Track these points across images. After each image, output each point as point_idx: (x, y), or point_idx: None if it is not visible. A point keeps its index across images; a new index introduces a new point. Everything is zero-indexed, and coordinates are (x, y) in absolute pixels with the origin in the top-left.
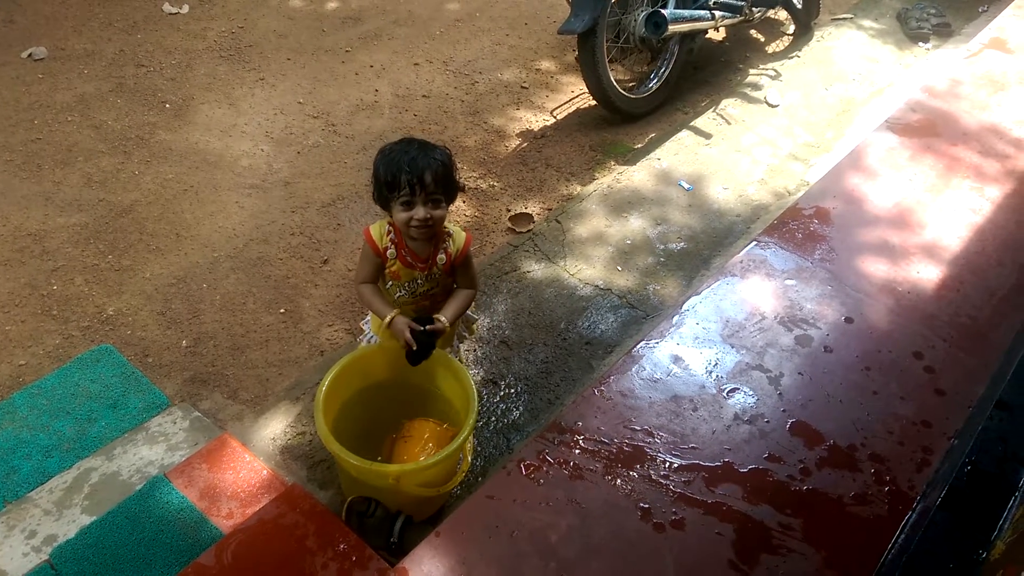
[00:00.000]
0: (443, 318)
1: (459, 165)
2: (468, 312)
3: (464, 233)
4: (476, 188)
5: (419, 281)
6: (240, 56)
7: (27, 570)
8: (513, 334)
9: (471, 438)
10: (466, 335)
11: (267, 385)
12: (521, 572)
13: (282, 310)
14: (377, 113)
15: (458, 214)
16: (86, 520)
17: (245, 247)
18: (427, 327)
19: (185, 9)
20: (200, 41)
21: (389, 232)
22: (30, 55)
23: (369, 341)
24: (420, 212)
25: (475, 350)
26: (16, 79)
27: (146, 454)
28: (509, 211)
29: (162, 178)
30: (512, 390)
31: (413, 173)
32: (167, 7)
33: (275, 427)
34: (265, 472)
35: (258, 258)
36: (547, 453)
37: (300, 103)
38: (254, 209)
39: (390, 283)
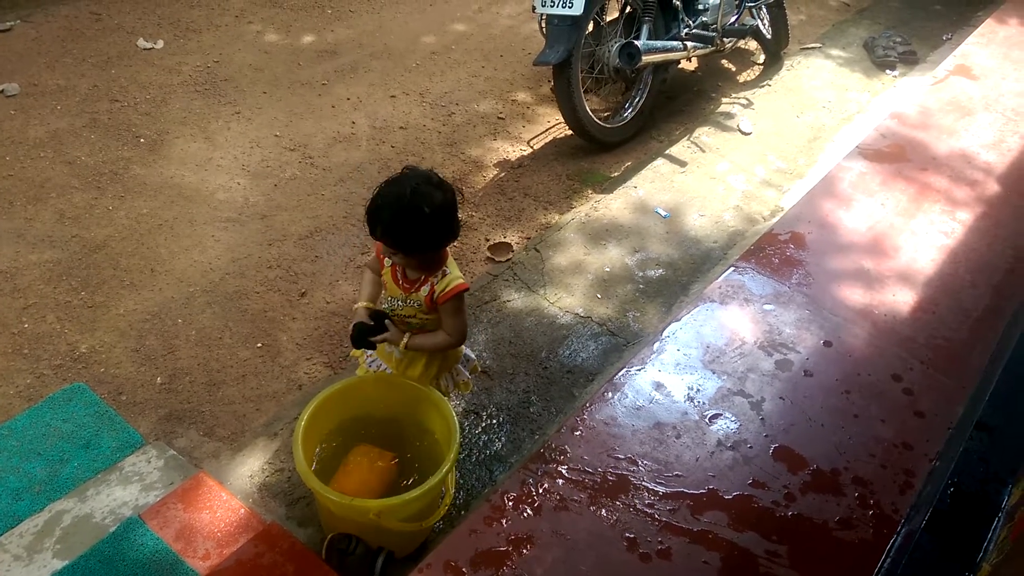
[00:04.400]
0: (405, 335)
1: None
2: (463, 369)
3: (459, 280)
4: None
5: (399, 302)
6: (216, 90)
7: None
8: (494, 364)
9: (454, 471)
10: (453, 390)
11: (244, 421)
12: None
13: (259, 344)
14: (354, 145)
15: None
16: (58, 565)
17: (221, 281)
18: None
19: (160, 44)
20: (175, 76)
21: None
22: (2, 91)
23: (373, 365)
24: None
25: None
26: None
27: (120, 495)
28: (488, 240)
29: (136, 213)
30: (494, 421)
31: (368, 221)
32: (142, 42)
33: (253, 464)
34: (242, 511)
35: (234, 292)
36: (531, 484)
37: (277, 136)
38: (230, 243)
39: (383, 292)
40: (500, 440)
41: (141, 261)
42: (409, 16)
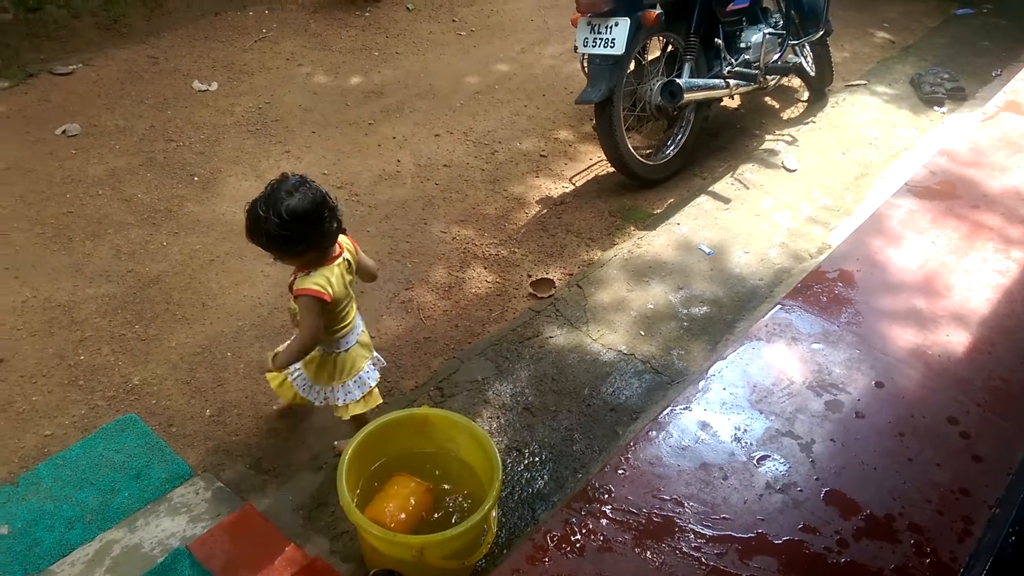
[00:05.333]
0: (267, 355)
1: (479, 231)
2: (368, 378)
3: (313, 285)
4: (496, 255)
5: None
6: (266, 130)
7: None
8: (536, 400)
9: (496, 508)
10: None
11: (290, 455)
12: None
13: None
14: (399, 183)
15: (479, 280)
16: None
17: (269, 315)
18: None
19: (214, 86)
20: (228, 116)
21: None
22: (64, 131)
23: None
24: None
25: (498, 417)
26: (50, 155)
27: (168, 526)
28: (530, 277)
29: (190, 249)
30: (536, 458)
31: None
32: (197, 84)
33: (298, 498)
34: (287, 545)
35: (282, 326)
36: (574, 523)
37: (324, 174)
38: (278, 278)
39: None
40: (543, 478)
41: (193, 295)
42: (453, 57)
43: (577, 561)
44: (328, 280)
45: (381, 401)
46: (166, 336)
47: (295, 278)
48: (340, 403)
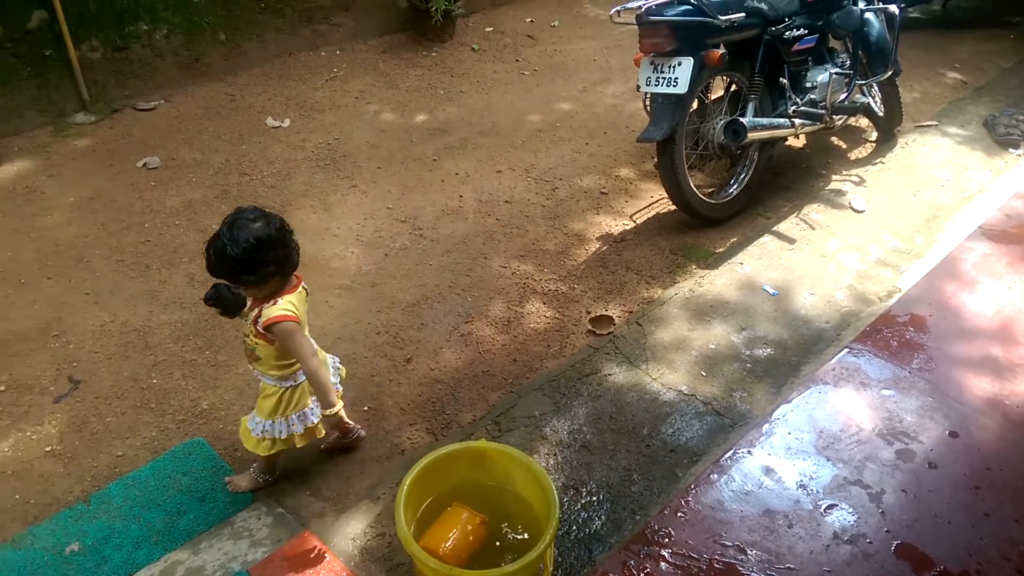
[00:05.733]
0: (325, 412)
1: (538, 267)
2: (309, 415)
3: (283, 311)
4: (556, 290)
5: (246, 322)
6: (335, 165)
7: None
8: (594, 438)
9: (552, 547)
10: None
11: (349, 483)
12: None
13: (366, 408)
14: (461, 218)
15: (538, 315)
16: None
17: (333, 345)
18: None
19: (287, 123)
20: (299, 152)
21: None
22: (144, 164)
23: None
24: None
25: (556, 454)
26: (131, 186)
27: (230, 549)
28: (589, 313)
29: None
30: (594, 497)
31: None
32: (270, 121)
33: (356, 527)
34: (344, 573)
35: (345, 356)
36: (632, 567)
37: (389, 208)
38: (342, 308)
39: None
40: (600, 518)
41: None
42: (516, 96)
43: None
44: (294, 305)
45: (320, 436)
46: (234, 363)
47: (259, 311)
48: (281, 436)
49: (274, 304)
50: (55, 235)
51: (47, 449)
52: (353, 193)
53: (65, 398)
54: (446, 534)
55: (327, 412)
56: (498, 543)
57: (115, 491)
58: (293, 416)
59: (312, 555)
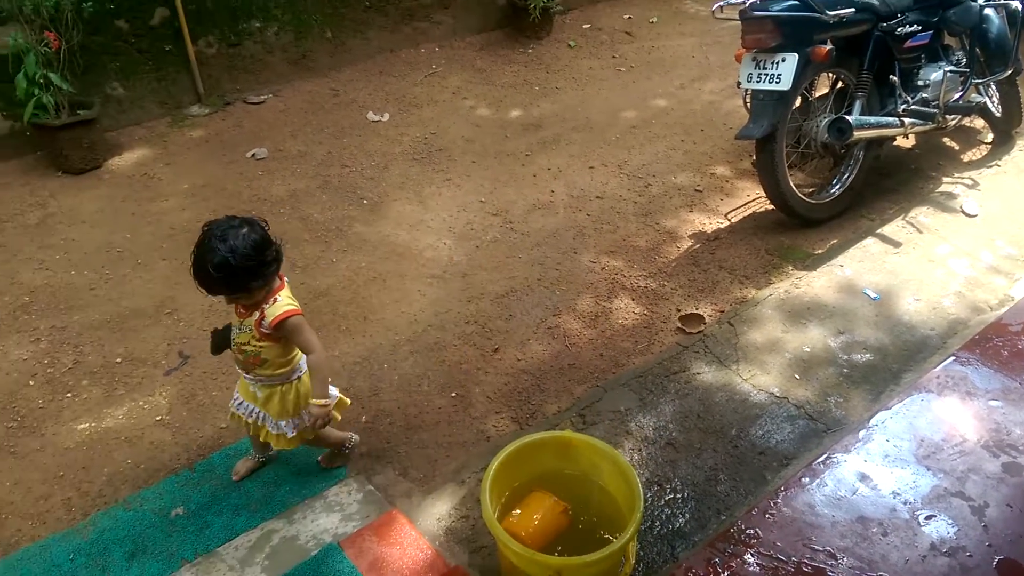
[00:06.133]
0: (316, 401)
1: (628, 263)
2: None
3: (287, 306)
4: (645, 287)
5: (237, 329)
6: (431, 159)
7: None
8: (681, 436)
9: (635, 539)
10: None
11: (435, 466)
12: None
13: (453, 394)
14: (552, 212)
15: (626, 311)
16: None
17: (424, 332)
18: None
19: (386, 117)
20: (397, 145)
21: None
22: (253, 155)
23: (239, 407)
24: None
25: (640, 449)
26: (240, 175)
27: (323, 522)
28: (679, 311)
29: (356, 266)
30: (678, 495)
31: (193, 276)
32: (371, 115)
33: (441, 508)
34: (429, 551)
35: (435, 343)
36: (717, 564)
37: (481, 202)
38: (434, 297)
39: None
40: (684, 516)
41: (356, 309)
42: (611, 92)
43: None
44: (292, 299)
45: (338, 421)
46: (330, 344)
47: (260, 314)
48: (290, 435)
49: (275, 302)
50: (170, 219)
51: (157, 418)
52: (447, 186)
53: (175, 371)
54: (530, 518)
55: (319, 402)
56: (579, 531)
57: (218, 460)
58: (304, 413)
59: (399, 532)
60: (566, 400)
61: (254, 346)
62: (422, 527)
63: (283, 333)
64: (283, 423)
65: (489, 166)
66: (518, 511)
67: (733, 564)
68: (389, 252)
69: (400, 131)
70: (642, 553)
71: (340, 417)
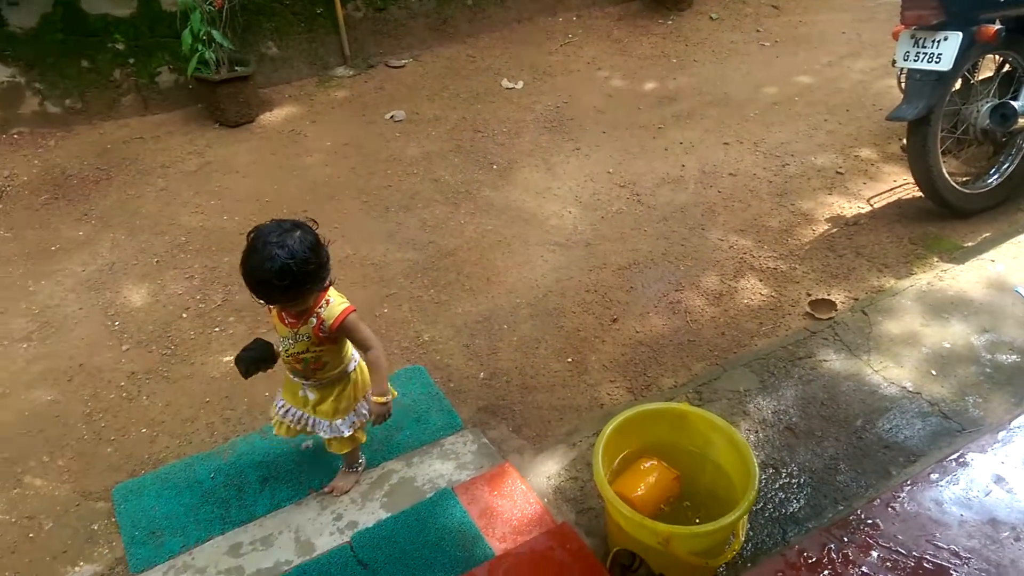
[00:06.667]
0: (378, 398)
1: (758, 243)
2: (364, 410)
3: (343, 305)
4: (775, 269)
5: (289, 341)
6: (561, 128)
7: (331, 547)
8: (801, 422)
9: (746, 518)
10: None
11: (548, 426)
12: None
13: (569, 359)
14: (681, 187)
15: (753, 292)
16: (383, 514)
17: (544, 297)
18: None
19: (520, 85)
20: (529, 113)
21: None
22: (391, 116)
23: (285, 414)
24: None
25: (757, 431)
26: (378, 135)
27: (439, 467)
28: (809, 296)
29: (482, 229)
30: (794, 480)
31: (250, 286)
32: (505, 83)
33: (551, 467)
34: (538, 506)
35: (554, 309)
36: (832, 550)
37: (609, 173)
38: (556, 264)
39: (275, 334)
40: (798, 501)
41: (480, 270)
42: (753, 67)
43: None
44: (342, 296)
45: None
46: (454, 303)
47: (318, 319)
48: (346, 433)
49: (328, 304)
50: (313, 174)
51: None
52: (576, 155)
53: None
54: (640, 483)
55: (382, 399)
56: (687, 504)
57: None
58: (361, 406)
59: (510, 485)
60: (683, 375)
61: (313, 352)
62: (532, 483)
63: (342, 333)
64: (339, 422)
65: (619, 137)
66: (630, 475)
67: (849, 551)
68: (515, 217)
69: (533, 99)
70: (752, 534)
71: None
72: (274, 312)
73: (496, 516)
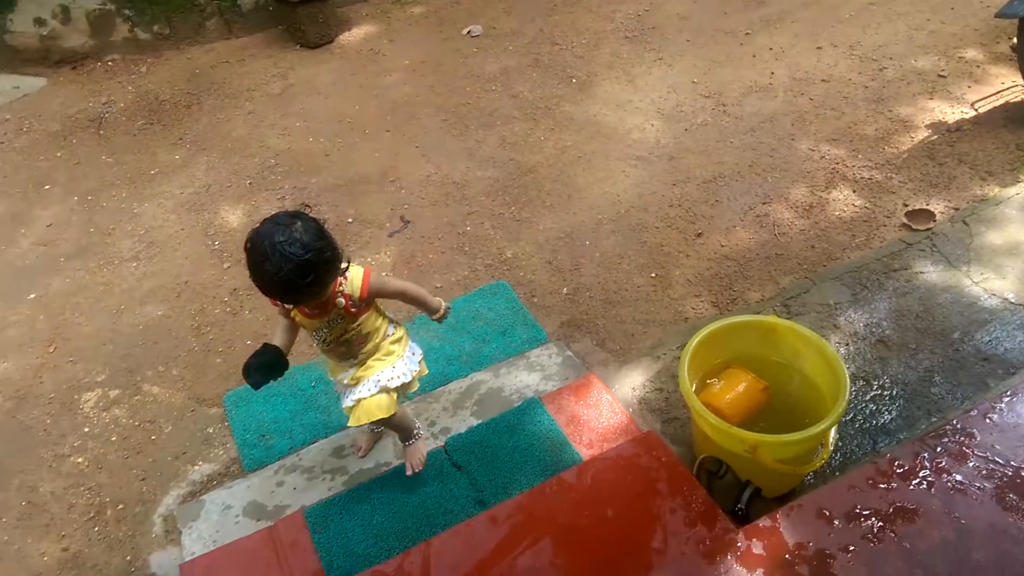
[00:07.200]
0: (433, 316)
1: (852, 152)
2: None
3: (361, 271)
4: (869, 179)
5: (324, 331)
6: (643, 37)
7: (428, 450)
8: (894, 335)
9: (835, 428)
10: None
11: (632, 340)
12: (878, 571)
13: (653, 274)
14: (770, 95)
15: (845, 203)
16: (474, 421)
17: (626, 213)
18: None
19: None
20: (608, 23)
21: None
22: (468, 32)
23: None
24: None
25: (848, 344)
26: (456, 52)
27: (525, 378)
28: (906, 206)
29: (562, 145)
30: (886, 392)
31: (272, 293)
32: None
33: (636, 379)
34: (624, 416)
35: (637, 224)
36: (926, 459)
37: (694, 83)
38: (638, 179)
39: (303, 331)
40: (890, 413)
41: (561, 187)
42: None
43: (923, 495)
44: (357, 266)
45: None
46: (536, 219)
47: (346, 298)
48: (415, 370)
49: (346, 278)
50: (392, 93)
51: (384, 273)
52: (658, 66)
53: (397, 233)
54: (727, 392)
55: (438, 315)
56: (776, 413)
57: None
58: (413, 346)
59: (596, 395)
60: (770, 289)
61: (353, 330)
62: (617, 393)
63: (373, 295)
64: (384, 373)
65: (704, 45)
66: (717, 382)
67: (943, 461)
68: (595, 132)
69: (612, 8)
70: (841, 444)
71: (417, 386)
72: (296, 311)
73: (583, 424)
